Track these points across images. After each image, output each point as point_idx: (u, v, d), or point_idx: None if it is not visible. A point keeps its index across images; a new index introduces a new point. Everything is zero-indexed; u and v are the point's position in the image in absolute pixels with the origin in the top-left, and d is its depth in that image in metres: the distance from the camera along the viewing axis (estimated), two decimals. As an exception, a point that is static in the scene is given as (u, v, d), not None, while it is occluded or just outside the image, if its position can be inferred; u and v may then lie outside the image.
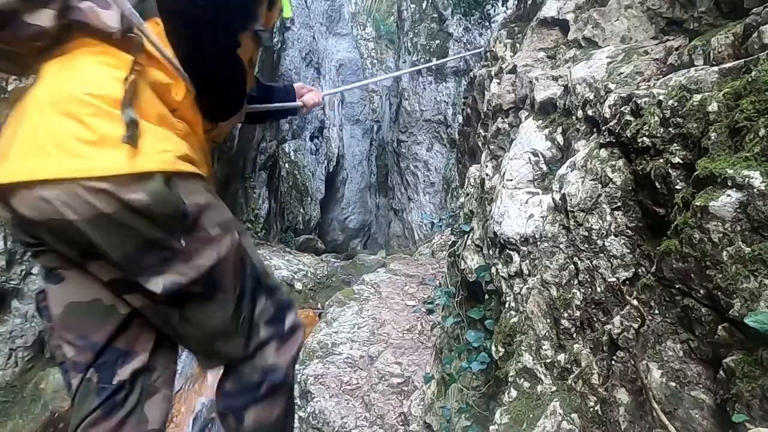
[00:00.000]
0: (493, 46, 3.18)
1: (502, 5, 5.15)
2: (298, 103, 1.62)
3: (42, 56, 1.00)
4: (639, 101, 1.46)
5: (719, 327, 1.10)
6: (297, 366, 2.57)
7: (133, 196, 0.91)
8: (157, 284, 0.98)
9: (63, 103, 0.93)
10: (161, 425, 1.14)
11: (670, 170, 1.31)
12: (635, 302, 1.26)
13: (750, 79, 1.16)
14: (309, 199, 11.00)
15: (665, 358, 1.23)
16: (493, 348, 1.81)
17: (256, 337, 1.17)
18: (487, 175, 2.42)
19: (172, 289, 0.99)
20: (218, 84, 1.08)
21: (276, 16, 1.21)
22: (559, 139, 2.01)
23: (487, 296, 2.10)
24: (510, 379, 1.64)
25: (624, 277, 1.44)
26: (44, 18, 0.95)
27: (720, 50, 1.42)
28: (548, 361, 1.57)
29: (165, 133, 0.98)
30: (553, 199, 1.77)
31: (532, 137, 2.10)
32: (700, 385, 1.16)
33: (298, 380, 3.03)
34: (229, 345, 1.13)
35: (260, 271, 1.20)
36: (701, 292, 1.14)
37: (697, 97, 1.29)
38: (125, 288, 1.03)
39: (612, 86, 1.72)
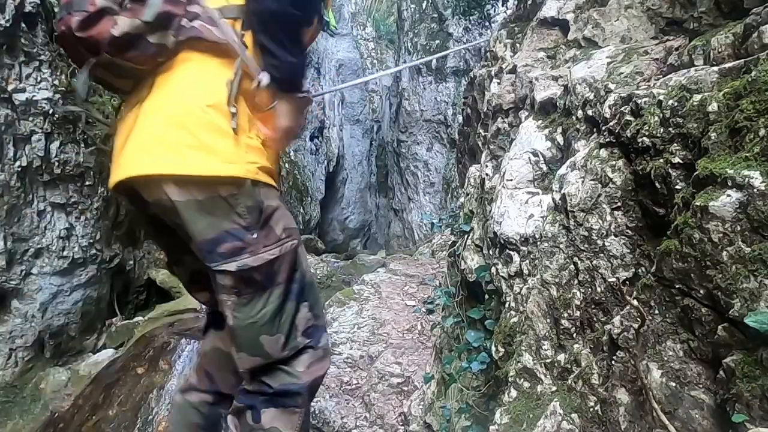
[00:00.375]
0: (493, 46, 3.18)
1: (502, 5, 5.15)
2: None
3: (156, 70, 1.22)
4: (639, 101, 1.46)
5: (719, 327, 1.10)
6: None
7: (223, 189, 1.15)
8: (230, 266, 1.18)
9: (177, 115, 1.17)
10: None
11: (670, 170, 1.31)
12: (635, 302, 1.26)
13: (750, 79, 1.16)
14: (309, 199, 11.01)
15: (665, 358, 1.23)
16: (493, 348, 1.81)
17: (294, 341, 1.28)
18: (487, 175, 2.42)
19: (242, 270, 1.18)
20: (292, 65, 1.27)
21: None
22: (559, 139, 2.01)
23: (487, 296, 2.10)
24: (510, 379, 1.64)
25: (624, 277, 1.44)
26: (166, 37, 1.18)
27: (720, 50, 1.42)
28: (548, 361, 1.57)
29: (252, 144, 1.21)
30: (553, 199, 1.77)
31: (532, 137, 2.10)
32: (700, 385, 1.16)
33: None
34: (270, 341, 1.25)
35: (308, 281, 1.33)
36: (701, 292, 1.14)
37: (697, 97, 1.29)
38: (207, 283, 1.27)
39: (612, 86, 1.72)
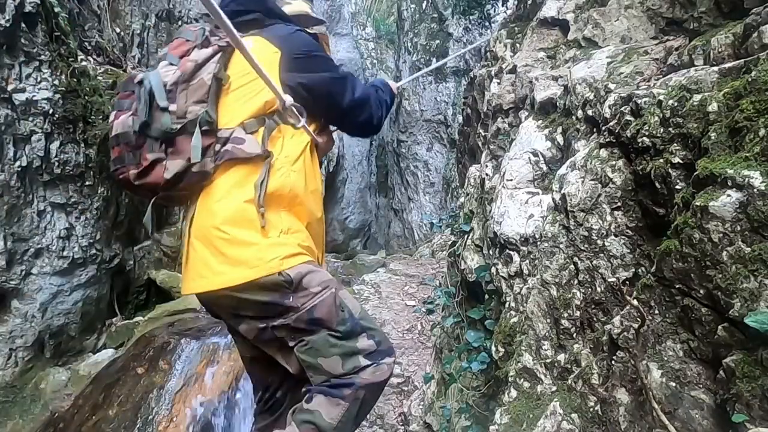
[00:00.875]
0: (493, 46, 3.18)
1: (502, 5, 5.15)
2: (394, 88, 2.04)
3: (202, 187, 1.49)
4: (639, 101, 1.46)
5: (719, 327, 1.10)
6: None
7: (255, 283, 1.42)
8: (274, 323, 1.46)
9: (205, 236, 1.46)
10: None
11: (670, 170, 1.31)
12: (635, 302, 1.26)
13: (750, 79, 1.16)
14: (309, 199, 10.96)
15: (665, 358, 1.23)
16: (493, 348, 1.81)
17: (355, 362, 1.48)
18: (487, 175, 2.42)
19: (282, 324, 1.46)
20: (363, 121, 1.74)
21: None
22: (559, 139, 2.01)
23: (487, 296, 2.10)
24: (510, 379, 1.64)
25: (624, 277, 1.44)
26: (205, 165, 1.44)
27: (720, 50, 1.42)
28: (548, 361, 1.57)
29: (278, 241, 1.46)
30: (553, 199, 1.77)
31: (532, 137, 2.10)
32: (700, 385, 1.16)
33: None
34: (328, 362, 1.47)
35: (359, 317, 1.54)
36: (701, 292, 1.14)
37: (697, 97, 1.29)
38: (264, 337, 1.52)
39: (612, 86, 1.72)
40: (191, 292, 1.52)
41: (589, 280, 1.53)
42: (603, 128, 1.63)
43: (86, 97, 4.22)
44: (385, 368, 1.52)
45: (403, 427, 2.68)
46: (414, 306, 4.10)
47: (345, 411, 1.46)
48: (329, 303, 1.50)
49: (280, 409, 1.70)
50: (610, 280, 1.46)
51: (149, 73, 1.51)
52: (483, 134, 2.90)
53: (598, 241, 1.52)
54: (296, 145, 1.57)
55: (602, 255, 1.50)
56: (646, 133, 1.39)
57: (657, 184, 1.36)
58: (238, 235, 1.44)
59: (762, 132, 1.09)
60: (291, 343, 1.50)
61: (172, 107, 1.45)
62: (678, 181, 1.29)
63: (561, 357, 1.54)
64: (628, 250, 1.46)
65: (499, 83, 2.68)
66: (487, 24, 5.92)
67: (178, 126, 1.44)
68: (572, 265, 1.59)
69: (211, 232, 1.46)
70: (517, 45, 2.91)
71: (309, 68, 1.58)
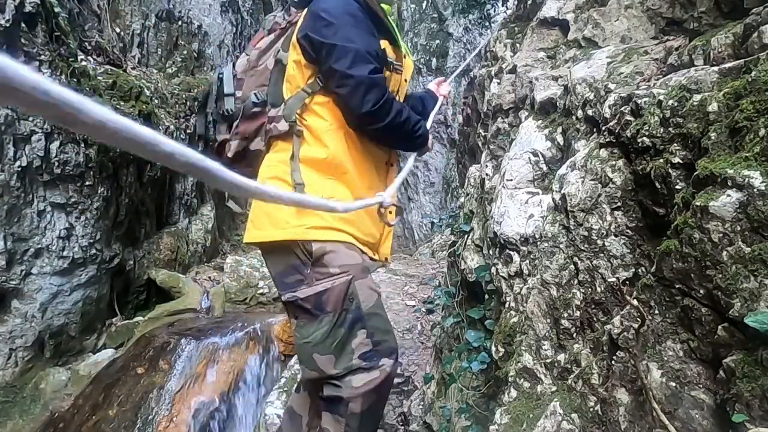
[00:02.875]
0: (493, 46, 3.18)
1: (502, 5, 5.15)
2: (441, 98, 2.14)
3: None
4: (639, 101, 1.46)
5: (719, 327, 1.10)
6: (297, 366, 2.69)
7: (279, 245, 1.53)
8: (285, 296, 1.54)
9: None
10: None
11: (670, 170, 1.31)
12: (635, 302, 1.26)
13: (750, 79, 1.16)
14: (309, 199, 10.98)
15: (665, 358, 1.23)
16: (493, 348, 1.81)
17: (347, 362, 1.46)
18: (487, 175, 2.42)
19: (292, 300, 1.51)
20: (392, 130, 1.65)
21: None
22: (559, 139, 2.01)
23: (487, 296, 2.10)
24: (510, 379, 1.64)
25: (624, 277, 1.44)
26: (259, 144, 1.64)
27: (720, 50, 1.42)
28: (548, 361, 1.57)
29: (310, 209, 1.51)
30: (553, 199, 1.77)
31: (532, 137, 2.10)
32: (700, 385, 1.16)
33: (298, 380, 3.03)
34: (322, 359, 1.47)
35: (365, 312, 1.51)
36: (701, 292, 1.14)
37: (697, 97, 1.29)
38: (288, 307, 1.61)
39: (612, 86, 1.72)
40: (245, 241, 1.68)
41: (589, 280, 1.53)
42: (603, 128, 1.63)
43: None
44: (376, 373, 1.47)
45: (403, 427, 2.68)
46: (414, 306, 4.10)
47: (345, 427, 1.46)
48: (340, 290, 1.50)
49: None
50: (610, 280, 1.46)
51: (224, 67, 1.72)
52: (483, 134, 2.90)
53: (598, 241, 1.52)
54: (331, 113, 1.59)
55: (602, 255, 1.50)
56: (646, 133, 1.39)
57: (657, 184, 1.36)
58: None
59: (762, 132, 1.09)
60: (293, 324, 1.55)
61: (238, 93, 1.60)
62: (678, 181, 1.29)
63: (561, 357, 1.54)
64: (628, 250, 1.46)
65: (499, 83, 2.68)
66: (487, 24, 5.93)
67: (237, 109, 1.60)
68: (572, 265, 1.59)
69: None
70: (517, 45, 2.91)
71: (321, 27, 1.52)
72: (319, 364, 1.48)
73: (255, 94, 1.60)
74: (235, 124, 1.64)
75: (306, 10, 1.59)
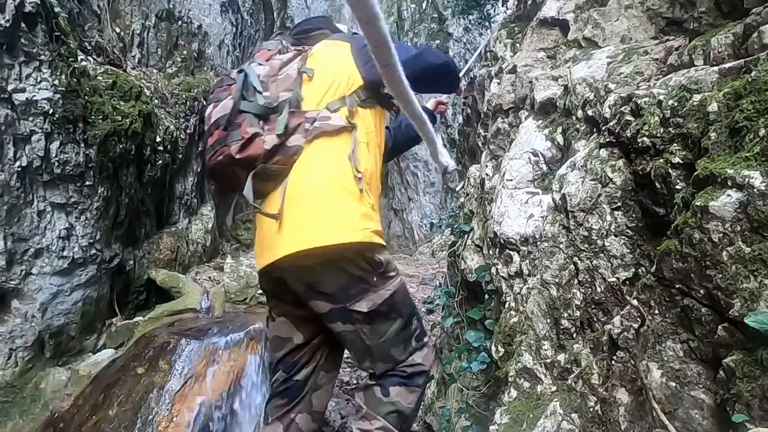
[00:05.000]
0: (493, 46, 3.18)
1: (502, 5, 5.14)
2: (438, 116, 2.43)
3: (293, 166, 1.64)
4: (639, 101, 1.46)
5: (719, 327, 1.10)
6: None
7: (347, 251, 1.55)
8: (362, 306, 1.58)
9: (306, 198, 1.59)
10: (323, 409, 1.88)
11: (670, 170, 1.31)
12: (635, 302, 1.26)
13: (750, 79, 1.16)
14: (309, 199, 10.99)
15: (665, 358, 1.23)
16: (493, 348, 1.81)
17: (411, 346, 1.68)
18: (487, 175, 2.42)
19: (372, 308, 1.59)
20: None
21: None
22: (559, 139, 2.01)
23: (487, 296, 2.10)
24: (510, 379, 1.64)
25: (624, 277, 1.44)
26: (299, 139, 1.64)
27: (720, 50, 1.42)
28: (548, 361, 1.57)
29: (366, 212, 1.61)
30: (553, 199, 1.77)
31: (532, 137, 2.10)
32: (700, 385, 1.16)
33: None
34: (396, 350, 1.66)
35: (411, 302, 1.74)
36: (701, 292, 1.14)
37: (697, 97, 1.29)
38: (336, 316, 1.62)
39: (612, 86, 1.72)
40: (286, 253, 1.57)
41: (589, 280, 1.53)
42: (603, 128, 1.63)
43: (86, 97, 4.22)
44: (427, 350, 1.73)
45: (403, 427, 2.68)
46: (414, 306, 4.09)
47: (420, 395, 1.71)
48: (404, 290, 1.70)
49: (300, 394, 1.78)
50: (610, 280, 1.46)
51: (245, 67, 1.76)
52: (483, 134, 2.90)
53: (598, 241, 1.52)
54: (373, 120, 1.77)
55: (602, 255, 1.50)
56: (646, 133, 1.39)
57: (657, 184, 1.36)
58: (337, 199, 1.59)
59: (762, 132, 1.09)
60: (365, 330, 1.63)
61: (266, 93, 1.68)
62: (678, 181, 1.29)
63: (561, 357, 1.54)
64: (628, 250, 1.46)
65: (499, 83, 2.68)
66: (487, 24, 5.92)
67: (274, 105, 1.66)
68: (572, 265, 1.59)
69: (312, 194, 1.60)
70: (517, 45, 2.91)
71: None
72: (395, 356, 1.66)
73: (295, 95, 1.69)
74: (264, 119, 1.66)
75: (339, 40, 1.87)
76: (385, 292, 1.60)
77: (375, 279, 1.59)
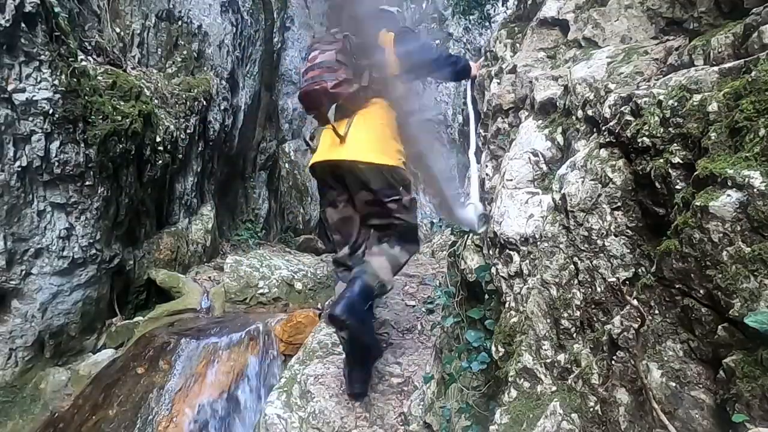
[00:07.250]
0: (493, 46, 3.18)
1: (502, 5, 5.14)
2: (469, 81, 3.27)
3: (357, 110, 2.64)
4: (639, 101, 1.46)
5: (719, 327, 1.10)
6: (297, 366, 3.19)
7: (386, 169, 2.59)
8: (390, 198, 2.60)
9: (366, 130, 2.60)
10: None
11: (670, 170, 1.31)
12: (635, 302, 1.26)
13: (750, 79, 1.16)
14: (309, 198, 10.99)
15: (665, 358, 1.23)
16: (493, 348, 1.81)
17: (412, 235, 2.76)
18: (487, 175, 2.42)
19: (395, 198, 2.60)
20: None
21: None
22: (559, 139, 2.01)
23: (487, 296, 2.10)
24: (510, 379, 1.64)
25: (624, 277, 1.44)
26: (367, 93, 2.64)
27: (720, 50, 1.42)
28: (548, 361, 1.57)
29: (399, 147, 2.63)
30: (553, 199, 1.77)
31: (532, 137, 2.10)
32: (700, 385, 1.16)
33: (298, 380, 3.03)
34: (415, 234, 2.77)
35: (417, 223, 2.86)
36: (701, 292, 1.14)
37: (697, 97, 1.29)
38: (374, 205, 2.61)
39: (612, 86, 1.72)
40: (349, 158, 2.52)
41: (589, 280, 1.53)
42: (603, 128, 1.63)
43: (86, 97, 4.22)
44: (417, 247, 2.91)
45: (403, 427, 2.68)
46: (414, 306, 4.10)
47: (405, 262, 2.78)
48: (415, 201, 2.74)
49: (362, 251, 2.75)
50: (610, 280, 1.46)
51: (348, 34, 2.60)
52: (483, 134, 2.90)
53: (598, 241, 1.52)
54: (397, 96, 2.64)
55: (602, 255, 1.50)
56: (646, 133, 1.39)
57: (657, 184, 1.36)
58: (384, 138, 2.59)
59: (762, 132, 1.09)
60: (397, 214, 2.61)
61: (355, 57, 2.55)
62: (678, 181, 1.29)
63: (561, 357, 1.54)
64: (628, 250, 1.46)
65: (499, 83, 2.68)
66: (487, 24, 5.92)
67: (362, 65, 2.53)
68: (572, 265, 1.59)
69: (370, 130, 2.56)
70: (517, 45, 2.91)
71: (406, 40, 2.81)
72: (415, 239, 2.75)
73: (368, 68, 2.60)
74: (357, 74, 2.55)
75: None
76: (408, 198, 2.63)
77: (401, 189, 2.59)
